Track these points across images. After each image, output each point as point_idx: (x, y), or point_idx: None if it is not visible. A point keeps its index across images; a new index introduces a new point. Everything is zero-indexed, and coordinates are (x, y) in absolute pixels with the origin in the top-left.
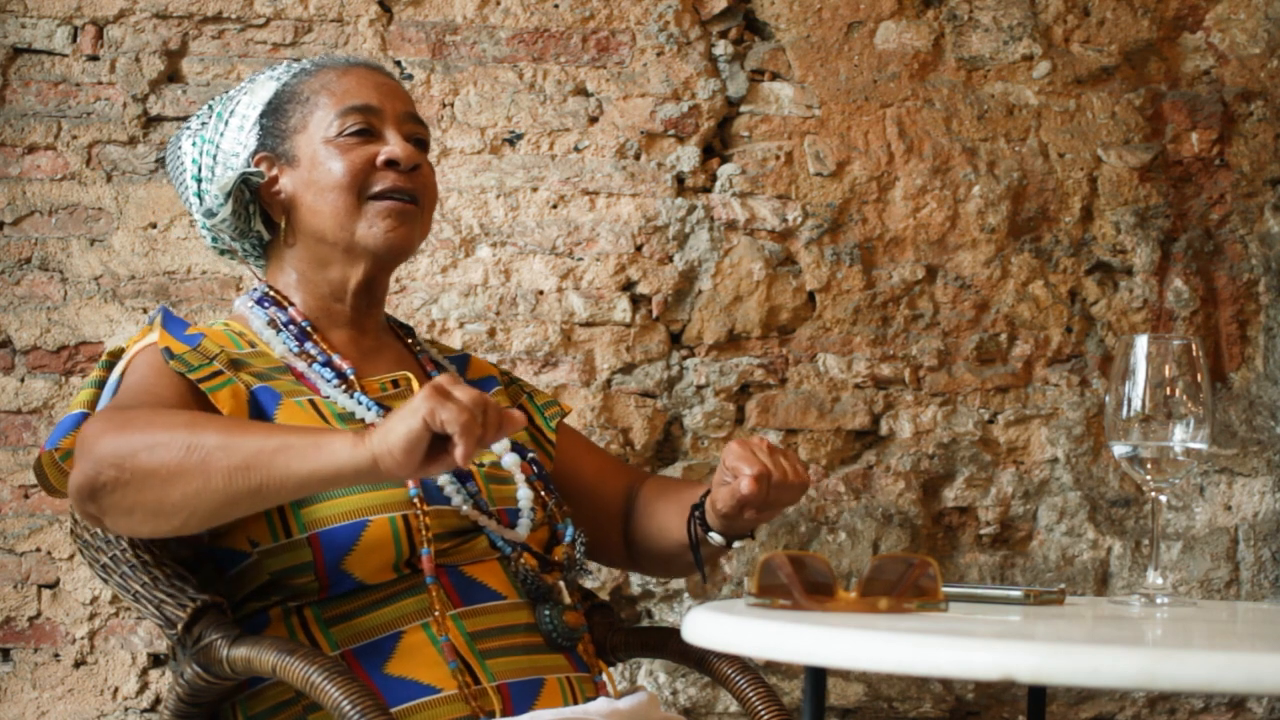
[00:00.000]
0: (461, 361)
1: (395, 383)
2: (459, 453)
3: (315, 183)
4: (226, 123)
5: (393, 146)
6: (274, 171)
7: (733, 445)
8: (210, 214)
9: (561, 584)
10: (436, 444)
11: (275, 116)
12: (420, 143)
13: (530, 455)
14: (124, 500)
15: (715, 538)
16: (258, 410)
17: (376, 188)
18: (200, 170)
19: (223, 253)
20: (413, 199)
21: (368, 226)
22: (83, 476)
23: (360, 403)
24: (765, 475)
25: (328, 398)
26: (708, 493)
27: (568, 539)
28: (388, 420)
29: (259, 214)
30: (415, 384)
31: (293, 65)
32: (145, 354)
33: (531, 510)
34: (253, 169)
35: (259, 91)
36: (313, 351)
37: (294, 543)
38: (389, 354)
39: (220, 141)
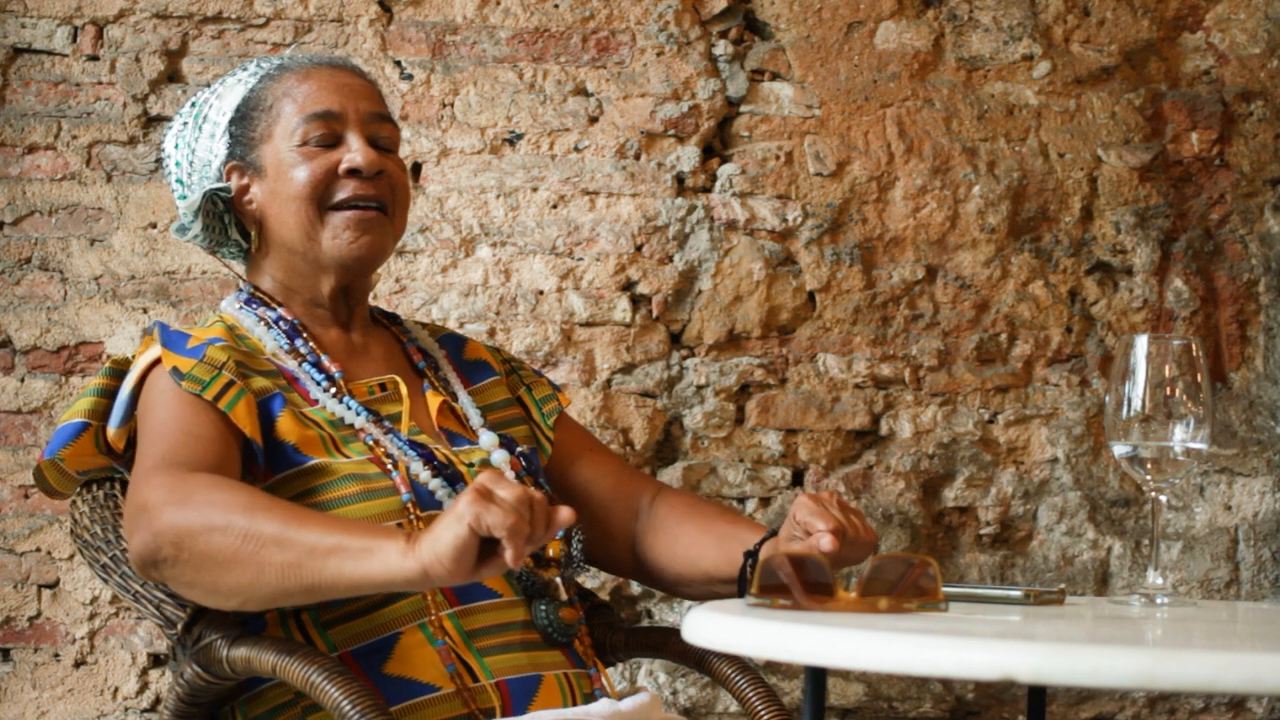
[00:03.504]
0: (454, 342)
1: (383, 386)
2: (509, 556)
3: (280, 193)
4: (200, 129)
5: (354, 154)
6: (244, 181)
7: (804, 499)
8: (182, 230)
9: (558, 580)
10: (486, 545)
11: (243, 124)
12: (388, 143)
13: (519, 450)
14: (183, 576)
15: None
16: (267, 417)
17: (337, 197)
18: (182, 174)
19: (213, 253)
20: (379, 205)
21: (331, 238)
22: (144, 547)
23: (350, 408)
24: (841, 531)
25: (317, 403)
26: (764, 538)
27: (560, 534)
28: (435, 527)
29: (234, 223)
30: (403, 388)
31: (260, 66)
32: (160, 381)
33: None
34: (220, 184)
35: (228, 96)
36: (302, 350)
37: None
38: (377, 352)
39: (195, 148)
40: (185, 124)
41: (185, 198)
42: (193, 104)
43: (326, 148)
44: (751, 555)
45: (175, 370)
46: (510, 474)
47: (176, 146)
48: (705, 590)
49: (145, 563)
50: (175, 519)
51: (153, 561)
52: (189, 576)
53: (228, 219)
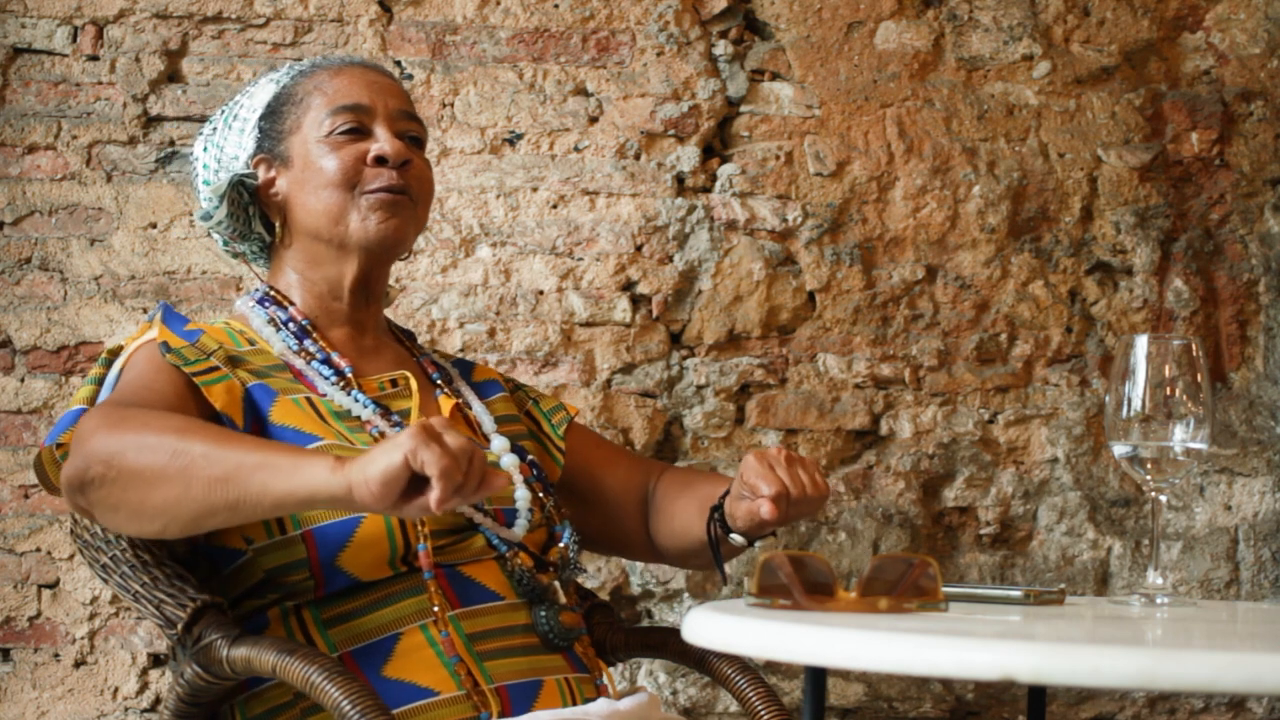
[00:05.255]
0: (463, 365)
1: (394, 382)
2: (433, 496)
3: (308, 182)
4: (230, 127)
5: (382, 143)
6: (271, 173)
7: (750, 460)
8: (206, 217)
9: (557, 584)
10: (416, 484)
11: (272, 119)
12: (415, 140)
13: (530, 458)
14: (109, 497)
15: (736, 539)
16: (252, 408)
17: (368, 186)
18: (209, 175)
19: (235, 256)
20: (404, 192)
21: (360, 220)
22: (73, 469)
23: (358, 400)
24: (784, 495)
25: (325, 395)
26: (727, 491)
27: (564, 541)
28: (371, 450)
29: (258, 216)
30: (414, 383)
31: (292, 67)
32: (143, 350)
33: (529, 511)
34: (247, 171)
35: (258, 94)
36: (311, 349)
37: (288, 539)
38: (388, 354)
39: (224, 145)
40: (215, 129)
41: (210, 183)
42: (222, 111)
43: (354, 139)
44: (716, 509)
45: (165, 344)
46: (519, 479)
47: (205, 149)
48: (709, 558)
49: (72, 486)
50: (107, 440)
51: (79, 484)
52: (116, 497)
53: (252, 211)
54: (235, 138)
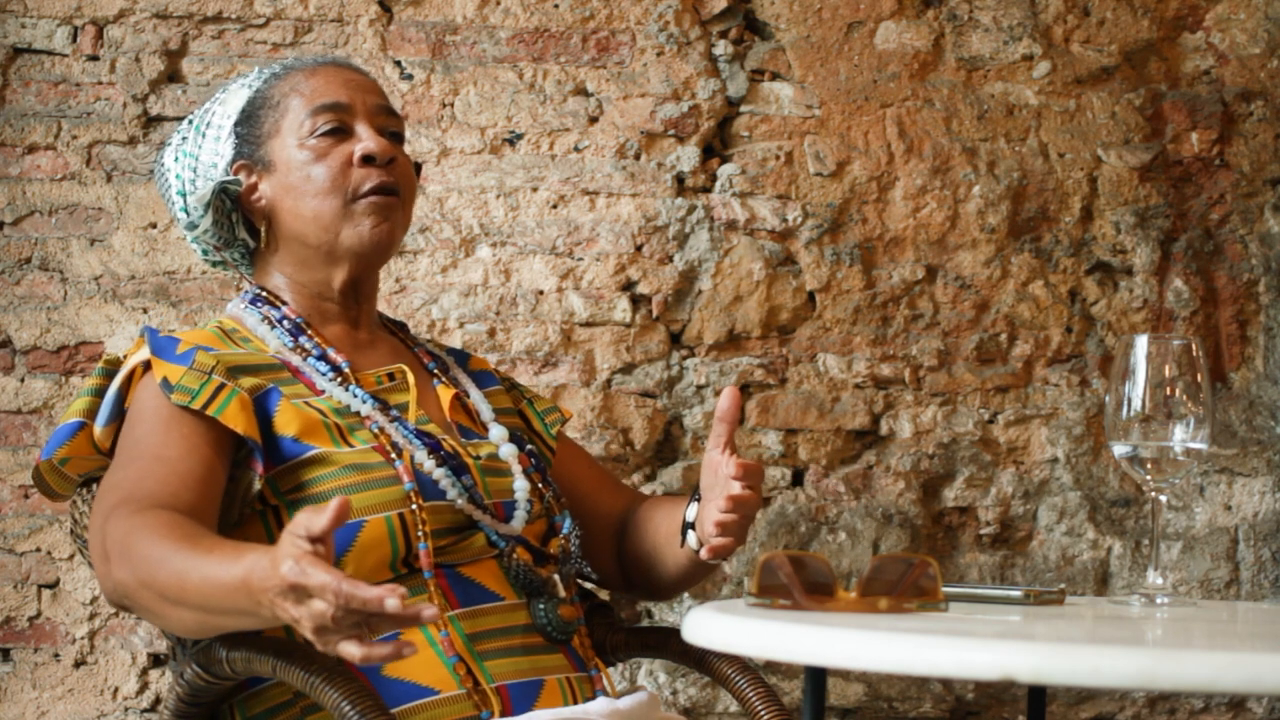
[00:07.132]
0: (459, 355)
1: (391, 375)
2: (347, 650)
3: (295, 187)
4: (203, 135)
5: (367, 141)
6: (252, 179)
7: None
8: (192, 226)
9: (556, 577)
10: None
11: (249, 124)
12: (395, 135)
13: (529, 447)
14: (143, 615)
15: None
16: (264, 413)
17: (362, 187)
18: (184, 185)
19: (215, 264)
20: (395, 192)
21: (353, 227)
22: (106, 589)
23: (356, 395)
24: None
25: (323, 393)
26: (689, 502)
27: (565, 531)
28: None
29: (241, 222)
30: (410, 377)
31: (263, 71)
32: (145, 392)
33: (528, 502)
34: (230, 178)
35: (232, 101)
36: (307, 345)
37: None
38: (384, 347)
39: (199, 154)
40: (185, 138)
41: (187, 194)
42: (190, 121)
43: (336, 140)
44: (689, 525)
45: (165, 381)
46: (518, 469)
47: (176, 160)
48: (674, 580)
49: (116, 607)
50: (119, 575)
51: (117, 602)
52: (146, 616)
53: (235, 218)
54: (211, 145)
